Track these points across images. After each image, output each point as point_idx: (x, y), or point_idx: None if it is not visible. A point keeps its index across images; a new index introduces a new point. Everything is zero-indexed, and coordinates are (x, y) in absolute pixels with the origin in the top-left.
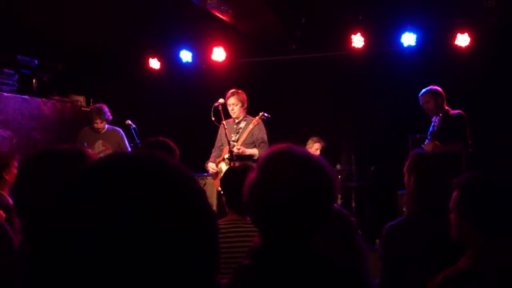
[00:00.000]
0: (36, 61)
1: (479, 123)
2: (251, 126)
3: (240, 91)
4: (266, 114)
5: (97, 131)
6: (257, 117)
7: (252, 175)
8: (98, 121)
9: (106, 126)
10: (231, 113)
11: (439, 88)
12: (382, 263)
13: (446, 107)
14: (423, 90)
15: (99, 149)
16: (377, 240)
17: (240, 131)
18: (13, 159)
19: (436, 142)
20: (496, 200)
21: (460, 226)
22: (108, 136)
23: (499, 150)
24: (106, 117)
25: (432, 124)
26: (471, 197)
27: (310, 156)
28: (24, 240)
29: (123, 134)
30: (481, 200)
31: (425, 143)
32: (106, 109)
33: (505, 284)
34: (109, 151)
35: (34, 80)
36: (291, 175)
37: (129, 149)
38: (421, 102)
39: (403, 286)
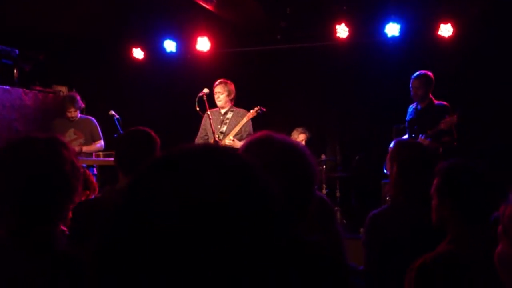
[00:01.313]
0: (17, 51)
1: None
2: (245, 120)
3: (228, 81)
4: (262, 108)
5: (70, 119)
6: (252, 111)
7: None
8: (72, 109)
9: (79, 115)
10: (216, 101)
11: (431, 75)
12: (366, 250)
13: (431, 95)
14: (418, 74)
15: (70, 138)
16: (361, 229)
17: (228, 123)
18: None
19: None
20: (474, 184)
21: (440, 211)
22: (81, 124)
23: (482, 140)
24: (79, 106)
25: (413, 110)
26: (450, 181)
27: (289, 142)
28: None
29: (96, 123)
30: (459, 184)
31: (420, 137)
32: (78, 97)
33: (483, 268)
34: (81, 140)
35: (15, 71)
36: (271, 161)
37: (102, 138)
38: (411, 85)
39: (387, 273)
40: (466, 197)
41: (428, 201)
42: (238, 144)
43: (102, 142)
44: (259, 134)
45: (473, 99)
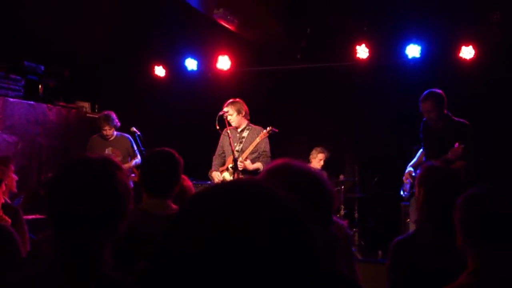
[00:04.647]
0: (42, 67)
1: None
2: (258, 140)
3: (237, 99)
4: (274, 129)
5: (105, 138)
6: (264, 131)
7: None
8: (107, 128)
9: (115, 133)
10: (230, 122)
11: (440, 92)
12: (389, 277)
13: (446, 112)
14: (424, 96)
15: None
16: (380, 252)
17: (244, 141)
18: (10, 162)
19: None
20: (483, 214)
21: (459, 241)
22: (117, 142)
23: (503, 164)
24: (114, 124)
25: (426, 125)
26: (461, 211)
27: (308, 169)
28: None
29: (132, 140)
30: (467, 214)
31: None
32: (113, 116)
33: None
34: (119, 158)
35: (40, 86)
36: (290, 189)
37: (138, 155)
38: (421, 109)
39: None
40: (474, 227)
41: (453, 228)
42: (250, 167)
43: (139, 158)
44: (278, 161)
45: (493, 122)
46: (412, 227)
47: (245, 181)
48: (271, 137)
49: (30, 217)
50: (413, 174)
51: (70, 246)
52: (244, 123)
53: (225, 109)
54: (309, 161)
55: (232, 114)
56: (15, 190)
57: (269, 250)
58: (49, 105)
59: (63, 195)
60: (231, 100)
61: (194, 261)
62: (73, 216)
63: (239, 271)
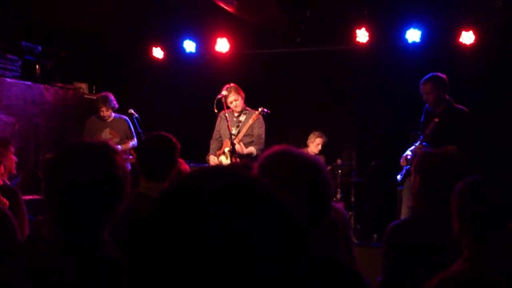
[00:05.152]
0: (40, 48)
1: (482, 123)
2: (250, 121)
3: (234, 84)
4: (265, 110)
5: (103, 119)
6: (256, 113)
7: None
8: (104, 109)
9: (113, 114)
10: (234, 108)
11: (443, 76)
12: (384, 262)
13: (448, 97)
14: (426, 78)
15: (106, 137)
16: (375, 235)
17: (241, 125)
18: (9, 144)
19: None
20: (481, 202)
21: (455, 228)
22: (115, 124)
23: (503, 150)
24: (112, 105)
25: (427, 112)
26: (459, 199)
27: (306, 157)
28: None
29: (129, 121)
30: (467, 202)
31: (416, 145)
32: (111, 97)
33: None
34: (116, 139)
35: (37, 67)
36: (289, 176)
37: (135, 136)
38: (421, 91)
39: (405, 286)
40: (472, 214)
41: (451, 215)
42: (244, 151)
43: (135, 140)
44: (277, 148)
45: (494, 108)
46: (404, 211)
47: (219, 169)
48: (269, 121)
49: (28, 197)
50: (409, 157)
51: (69, 229)
52: (243, 107)
53: (229, 98)
54: (306, 145)
55: (237, 99)
56: (14, 171)
57: (241, 235)
58: (46, 85)
59: (62, 179)
60: (233, 85)
61: (171, 250)
62: (72, 200)
63: (213, 255)
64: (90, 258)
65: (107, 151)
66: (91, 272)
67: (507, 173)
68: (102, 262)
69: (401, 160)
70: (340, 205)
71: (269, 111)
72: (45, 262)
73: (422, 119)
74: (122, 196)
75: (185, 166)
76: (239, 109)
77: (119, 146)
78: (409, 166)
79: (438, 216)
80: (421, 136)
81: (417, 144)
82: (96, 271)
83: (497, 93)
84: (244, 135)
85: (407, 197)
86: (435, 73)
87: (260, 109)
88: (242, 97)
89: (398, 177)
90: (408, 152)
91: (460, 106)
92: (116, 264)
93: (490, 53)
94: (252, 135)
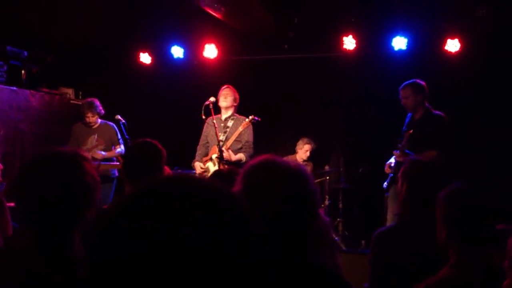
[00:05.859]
0: (25, 53)
1: (467, 129)
2: (240, 129)
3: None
4: (256, 118)
5: (89, 125)
6: (247, 120)
7: (236, 187)
8: (90, 115)
9: (99, 120)
10: (223, 101)
11: (422, 83)
12: (371, 268)
13: (427, 105)
14: (404, 84)
15: (92, 144)
16: (363, 241)
17: (228, 131)
18: None
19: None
20: (465, 208)
21: (440, 235)
22: (101, 130)
23: (488, 155)
24: (98, 111)
25: (407, 121)
26: (443, 206)
27: (291, 166)
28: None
29: (116, 128)
30: (451, 209)
31: (396, 152)
32: (97, 103)
33: None
34: (101, 146)
35: (23, 72)
36: (274, 185)
37: (122, 144)
38: (400, 96)
39: None
40: (455, 221)
41: (435, 222)
42: (232, 158)
43: (122, 147)
44: (261, 158)
45: (479, 115)
46: (389, 217)
47: (176, 178)
48: (257, 127)
49: (13, 204)
50: (392, 165)
51: (40, 237)
52: (231, 111)
53: (223, 91)
54: (295, 152)
55: (231, 96)
56: (0, 178)
57: (198, 247)
58: (32, 91)
59: (31, 189)
60: (230, 85)
61: (125, 261)
62: (42, 208)
63: (168, 266)
64: (62, 258)
65: (75, 158)
66: (63, 271)
67: (493, 178)
68: (72, 262)
69: (385, 168)
70: (321, 211)
71: (259, 119)
72: (18, 270)
73: (404, 128)
74: (91, 201)
75: (170, 173)
76: (226, 103)
77: (104, 153)
78: (392, 174)
79: (424, 223)
80: (399, 145)
81: (397, 152)
82: (67, 270)
83: (482, 100)
84: (234, 142)
85: (392, 204)
86: (414, 80)
87: (250, 117)
88: (234, 99)
89: (384, 184)
90: (392, 160)
91: (438, 112)
92: (84, 264)
93: (475, 60)
94: (241, 141)
